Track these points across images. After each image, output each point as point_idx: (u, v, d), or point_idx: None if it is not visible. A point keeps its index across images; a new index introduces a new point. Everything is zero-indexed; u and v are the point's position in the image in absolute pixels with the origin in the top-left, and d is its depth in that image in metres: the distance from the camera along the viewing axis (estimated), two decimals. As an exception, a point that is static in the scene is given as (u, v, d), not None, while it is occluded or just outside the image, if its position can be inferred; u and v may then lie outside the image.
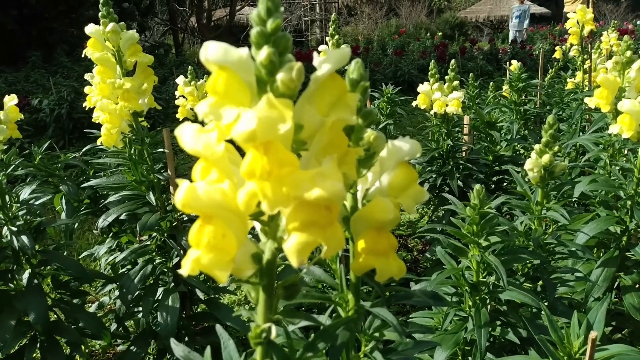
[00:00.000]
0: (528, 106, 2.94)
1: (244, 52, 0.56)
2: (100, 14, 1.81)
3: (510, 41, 14.32)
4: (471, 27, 21.29)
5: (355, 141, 0.75)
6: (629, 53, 1.71)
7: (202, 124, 0.62)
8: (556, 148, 1.40)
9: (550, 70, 4.37)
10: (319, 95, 0.62)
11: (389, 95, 3.28)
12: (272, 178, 0.55)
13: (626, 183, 1.70)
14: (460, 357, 1.50)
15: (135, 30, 1.87)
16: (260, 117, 0.53)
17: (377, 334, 0.82)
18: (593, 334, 1.04)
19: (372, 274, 0.80)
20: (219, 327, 0.79)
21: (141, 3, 11.41)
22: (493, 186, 2.77)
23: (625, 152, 1.92)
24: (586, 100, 1.82)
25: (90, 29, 1.81)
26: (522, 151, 2.99)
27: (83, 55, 1.83)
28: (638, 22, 21.23)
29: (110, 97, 1.81)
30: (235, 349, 0.77)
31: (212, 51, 0.56)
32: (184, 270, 0.59)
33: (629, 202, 1.74)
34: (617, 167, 1.79)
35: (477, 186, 1.35)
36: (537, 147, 1.42)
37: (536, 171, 1.43)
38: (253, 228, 0.71)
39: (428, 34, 15.85)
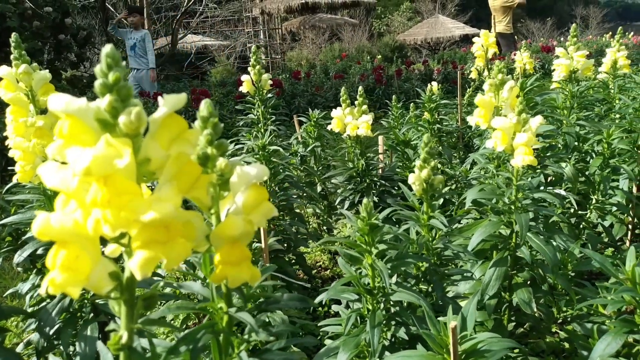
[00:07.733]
0: (440, 125, 3.19)
1: (83, 102, 0.67)
2: (12, 56, 1.88)
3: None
4: (410, 49, 22.23)
5: (212, 168, 0.88)
6: (500, 76, 1.94)
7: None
8: (433, 163, 1.57)
9: (469, 89, 4.70)
10: (159, 133, 0.74)
11: (316, 119, 3.46)
12: (112, 205, 0.66)
13: (506, 190, 1.91)
14: (365, 358, 1.63)
15: (48, 69, 1.95)
16: (94, 155, 0.64)
17: (246, 336, 0.93)
18: (452, 324, 1.19)
19: (241, 285, 0.91)
20: (99, 343, 0.87)
21: (78, 34, 11.26)
22: (412, 200, 2.95)
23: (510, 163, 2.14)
24: (467, 118, 2.03)
25: (2, 71, 1.87)
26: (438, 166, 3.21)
27: (-6, 96, 1.89)
28: (562, 39, 22.76)
29: (24, 135, 1.87)
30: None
31: (55, 103, 0.67)
32: (42, 290, 0.68)
33: (512, 207, 1.95)
34: (501, 177, 2.01)
35: (364, 200, 1.50)
36: (417, 163, 1.59)
37: (418, 184, 1.60)
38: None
39: (369, 57, 16.42)
